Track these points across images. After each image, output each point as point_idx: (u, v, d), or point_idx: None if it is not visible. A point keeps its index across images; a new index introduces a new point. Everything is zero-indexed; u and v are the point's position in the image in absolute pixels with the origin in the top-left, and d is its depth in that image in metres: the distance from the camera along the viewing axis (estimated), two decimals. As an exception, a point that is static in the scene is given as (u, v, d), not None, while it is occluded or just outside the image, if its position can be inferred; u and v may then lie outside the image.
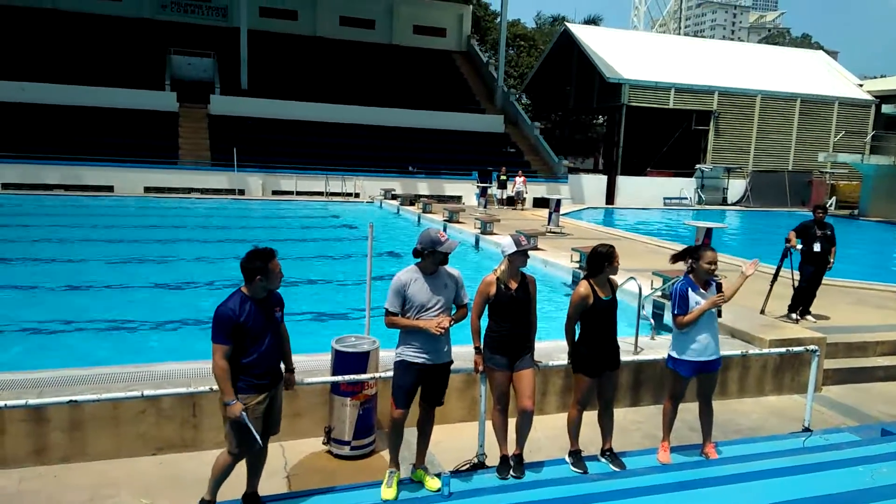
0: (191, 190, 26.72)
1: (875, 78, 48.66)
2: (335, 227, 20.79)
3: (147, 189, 26.27)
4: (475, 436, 5.31)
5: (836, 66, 44.07)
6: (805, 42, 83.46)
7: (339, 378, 5.31)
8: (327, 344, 5.78)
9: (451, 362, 4.85)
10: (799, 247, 9.69)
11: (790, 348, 6.71)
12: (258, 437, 4.11)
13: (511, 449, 5.08)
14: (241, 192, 27.28)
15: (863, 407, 7.45)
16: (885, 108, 32.36)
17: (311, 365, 6.44)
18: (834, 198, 34.05)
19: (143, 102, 29.50)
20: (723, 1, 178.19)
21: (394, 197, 26.41)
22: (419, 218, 22.18)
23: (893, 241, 24.89)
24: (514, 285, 4.92)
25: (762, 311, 9.49)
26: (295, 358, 6.70)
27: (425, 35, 41.94)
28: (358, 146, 30.91)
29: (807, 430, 6.12)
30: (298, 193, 27.55)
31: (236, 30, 33.16)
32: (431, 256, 4.61)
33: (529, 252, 5.00)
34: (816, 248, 9.55)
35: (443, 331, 4.55)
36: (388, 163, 30.19)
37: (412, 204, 24.62)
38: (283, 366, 4.52)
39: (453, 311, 4.77)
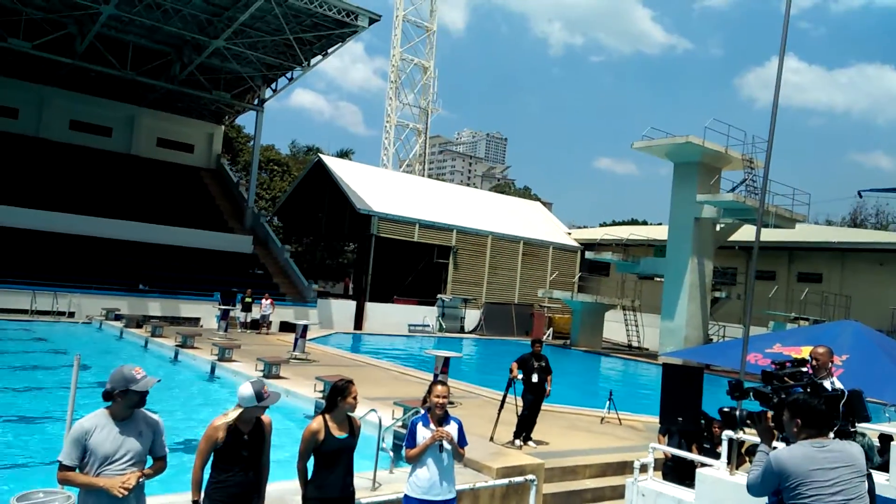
0: None
1: (580, 227, 57.91)
2: (37, 353, 17.71)
3: None
4: None
5: (550, 215, 51.73)
6: (527, 193, 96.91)
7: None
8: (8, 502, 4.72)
9: None
10: (520, 377, 10.65)
11: (512, 479, 7.11)
12: None
13: None
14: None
15: (576, 530, 8.06)
16: (588, 255, 38.34)
17: (-24, 533, 5.18)
18: (551, 329, 38.58)
19: None
20: (461, 151, 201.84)
21: (118, 318, 23.62)
22: (146, 342, 20.06)
23: (596, 368, 28.65)
24: (245, 429, 4.54)
25: (491, 438, 10.05)
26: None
27: (170, 149, 40.19)
28: (77, 259, 27.51)
29: (529, 560, 6.39)
30: (-7, 311, 23.33)
31: (-64, 121, 28.61)
32: (124, 398, 4.03)
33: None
34: (534, 378, 10.59)
35: (125, 492, 3.89)
36: (115, 279, 27.28)
37: (139, 326, 22.23)
38: None
39: (149, 464, 4.18)
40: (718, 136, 28.01)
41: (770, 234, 28.20)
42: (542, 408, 11.20)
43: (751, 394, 4.67)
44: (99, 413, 4.06)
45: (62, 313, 24.40)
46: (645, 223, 66.26)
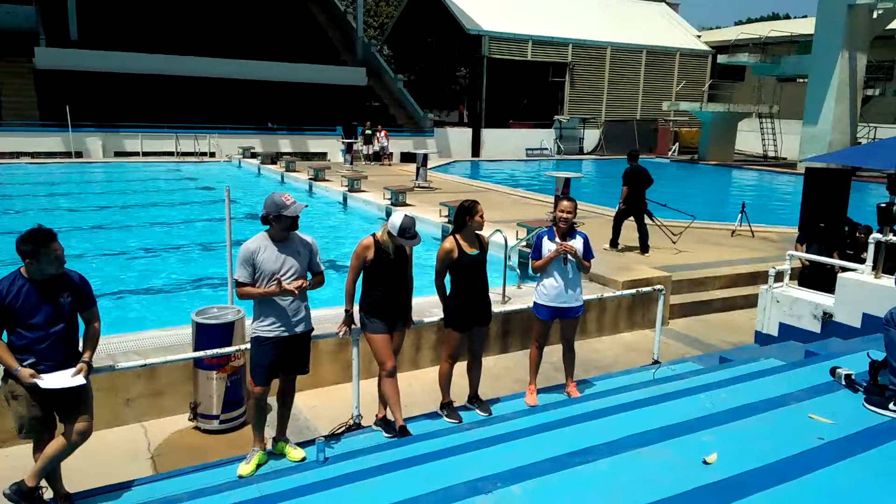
0: (19, 154, 23.98)
1: (711, 29, 52.45)
2: (189, 190, 19.52)
3: (-34, 155, 23.32)
4: (350, 397, 5.29)
5: (677, 17, 46.99)
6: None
7: (200, 353, 5.05)
8: (188, 316, 5.50)
9: (312, 330, 4.71)
10: None
11: (640, 289, 7.22)
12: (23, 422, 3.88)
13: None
14: (79, 154, 24.86)
15: (704, 337, 8.23)
16: (721, 59, 35.07)
17: (170, 340, 6.12)
18: (677, 144, 36.73)
19: (-48, 56, 25.90)
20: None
21: (253, 155, 25.15)
22: (282, 177, 21.38)
23: (727, 182, 27.37)
24: (390, 248, 4.85)
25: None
26: (153, 333, 6.39)
27: (276, -21, 39.68)
28: (211, 101, 28.93)
29: (656, 362, 6.67)
30: (145, 154, 25.47)
31: (60, -27, 29.69)
32: (278, 222, 4.40)
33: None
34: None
35: (297, 291, 4.39)
36: (246, 119, 28.63)
37: (274, 162, 23.63)
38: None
39: (309, 279, 4.60)
40: None
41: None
42: (667, 223, 11.13)
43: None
44: (260, 236, 4.50)
45: (204, 154, 26.29)
46: (787, 17, 58.78)
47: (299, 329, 4.55)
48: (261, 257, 4.39)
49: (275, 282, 4.37)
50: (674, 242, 11.27)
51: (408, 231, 4.72)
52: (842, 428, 3.64)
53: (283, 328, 4.47)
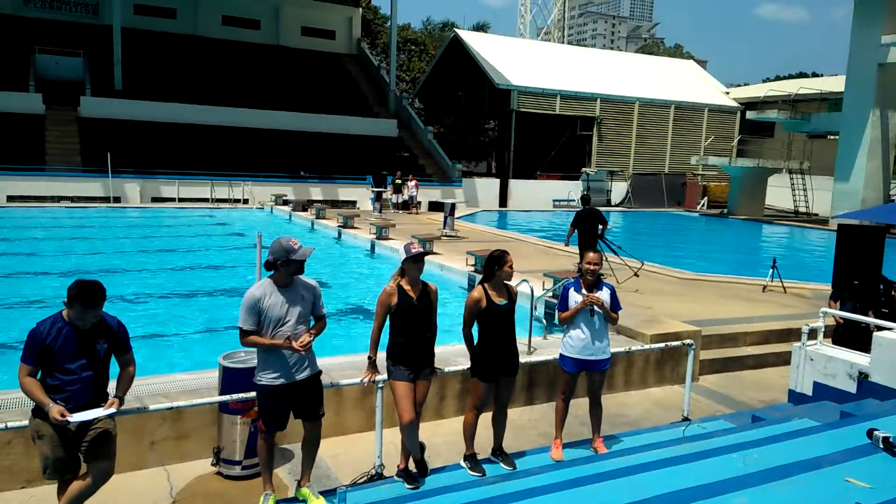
0: (60, 198, 24.82)
1: (740, 86, 52.78)
2: (222, 236, 19.95)
3: (10, 198, 24.16)
4: (373, 446, 5.24)
5: (706, 74, 47.44)
6: (678, 52, 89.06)
7: (226, 398, 5.07)
8: (215, 360, 5.54)
9: (319, 373, 4.69)
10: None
11: (669, 343, 7.10)
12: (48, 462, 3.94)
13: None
14: (118, 199, 25.65)
15: (736, 394, 8.02)
16: (749, 115, 35.15)
17: (197, 383, 6.15)
18: (706, 198, 36.57)
19: (5, 104, 27.02)
20: (603, 11, 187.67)
21: (285, 202, 25.73)
22: (312, 224, 21.74)
23: (757, 237, 27.05)
24: (414, 294, 4.87)
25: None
26: (180, 376, 6.45)
27: (314, 37, 41.23)
28: (246, 150, 29.82)
29: (686, 419, 6.50)
30: (181, 200, 26.22)
31: (108, 27, 31.21)
32: (286, 267, 4.41)
33: (425, 258, 4.93)
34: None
35: (303, 350, 4.38)
36: (279, 167, 29.37)
37: (305, 209, 24.11)
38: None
39: (312, 324, 4.62)
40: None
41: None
42: (696, 277, 11.01)
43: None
44: (264, 282, 4.51)
45: (237, 200, 26.94)
46: (815, 75, 58.94)
47: (301, 376, 4.52)
48: (266, 304, 4.38)
49: (280, 330, 4.38)
50: (636, 275, 12.54)
51: (411, 248, 4.83)
52: (880, 493, 3.49)
53: (285, 377, 4.46)
